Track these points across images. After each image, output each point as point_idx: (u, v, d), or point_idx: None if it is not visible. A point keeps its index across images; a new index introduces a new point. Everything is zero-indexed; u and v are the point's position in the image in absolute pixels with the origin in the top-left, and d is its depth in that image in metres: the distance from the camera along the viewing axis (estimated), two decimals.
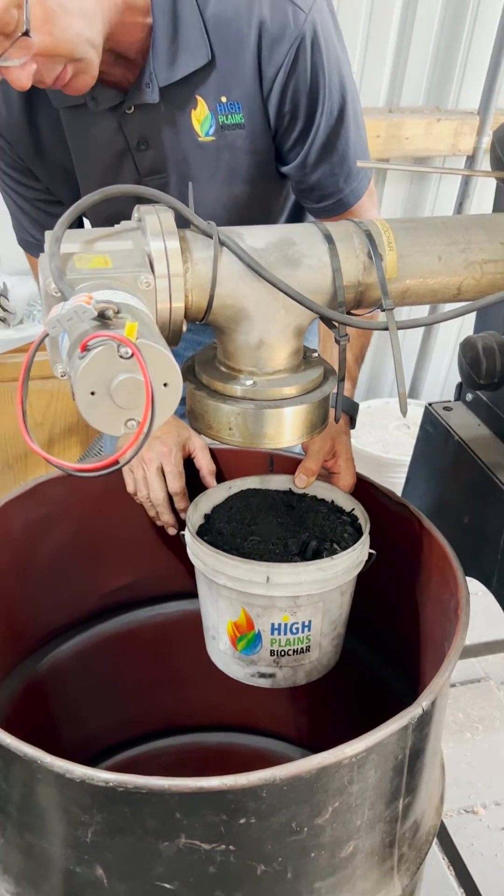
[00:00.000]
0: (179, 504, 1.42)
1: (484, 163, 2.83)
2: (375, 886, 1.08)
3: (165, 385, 0.76)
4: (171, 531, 1.45)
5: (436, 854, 2.00)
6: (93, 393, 0.73)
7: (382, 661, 1.38)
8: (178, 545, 1.46)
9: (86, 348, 0.71)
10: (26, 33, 1.06)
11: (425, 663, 1.25)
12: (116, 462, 0.76)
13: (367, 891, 1.07)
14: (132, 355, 0.72)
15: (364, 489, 1.34)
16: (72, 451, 2.74)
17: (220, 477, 1.44)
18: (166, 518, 1.43)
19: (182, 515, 1.43)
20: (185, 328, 0.94)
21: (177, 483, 1.41)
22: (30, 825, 0.99)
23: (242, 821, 0.90)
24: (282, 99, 1.28)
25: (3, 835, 1.04)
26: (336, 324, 0.98)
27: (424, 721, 1.00)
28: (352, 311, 1.01)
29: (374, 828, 1.02)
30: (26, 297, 2.56)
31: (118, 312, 0.74)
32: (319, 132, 1.31)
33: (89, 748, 1.62)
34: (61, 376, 0.80)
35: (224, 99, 1.29)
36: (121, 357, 0.72)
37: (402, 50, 2.68)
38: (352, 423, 1.34)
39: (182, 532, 1.27)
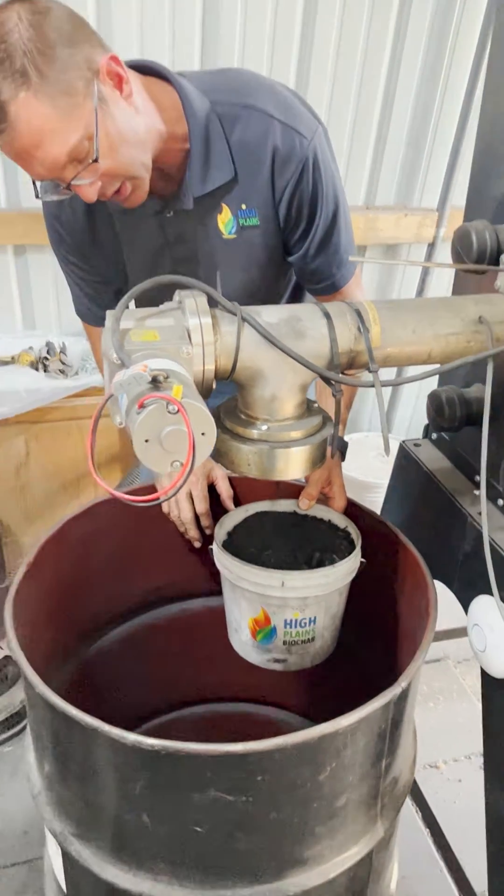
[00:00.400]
0: (204, 522, 1.42)
1: (441, 249, 2.84)
2: (363, 829, 1.08)
3: (203, 434, 0.77)
4: (197, 544, 1.45)
5: (406, 801, 1.98)
6: (147, 440, 0.75)
7: (367, 648, 1.37)
8: (201, 554, 1.47)
9: (142, 406, 0.73)
10: (95, 160, 1.08)
11: (401, 649, 1.25)
12: (165, 495, 0.77)
13: (357, 833, 1.07)
14: (178, 411, 0.73)
15: (353, 510, 1.34)
16: (114, 475, 2.74)
17: (237, 500, 1.44)
18: (193, 534, 1.44)
19: (206, 532, 1.43)
20: (214, 385, 0.95)
21: (202, 506, 1.41)
22: (88, 779, 0.99)
23: (259, 777, 0.90)
24: (289, 206, 1.29)
25: (67, 787, 1.04)
26: (333, 382, 0.98)
27: (402, 698, 1.01)
28: (344, 372, 1.01)
29: (363, 783, 1.02)
30: (80, 353, 2.56)
31: (167, 377, 0.76)
32: (318, 231, 1.32)
33: (129, 715, 1.61)
34: (119, 425, 0.80)
35: (244, 206, 1.29)
36: (169, 413, 0.73)
37: (376, 162, 2.71)
38: (342, 456, 1.35)
39: (210, 546, 1.26)
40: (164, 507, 1.44)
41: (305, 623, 1.19)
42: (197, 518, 1.43)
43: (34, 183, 1.16)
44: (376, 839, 1.09)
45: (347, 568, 1.19)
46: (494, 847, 1.26)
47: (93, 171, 1.10)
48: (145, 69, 1.23)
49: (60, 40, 1.03)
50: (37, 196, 1.19)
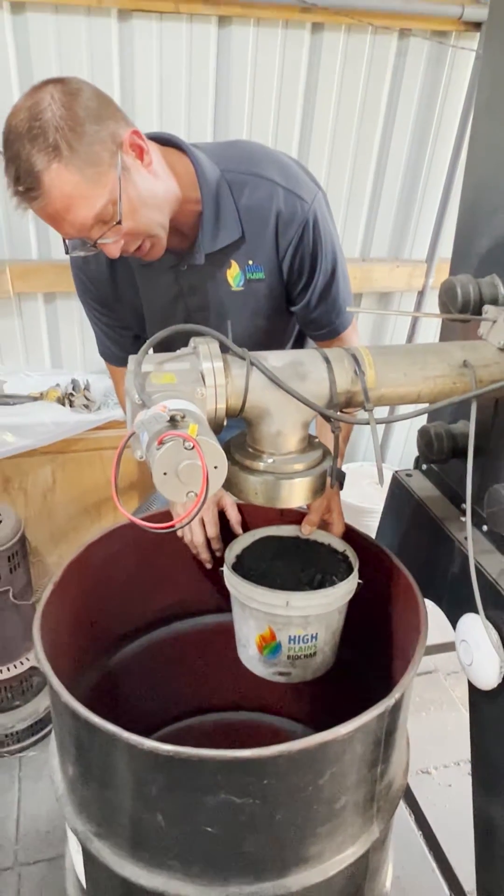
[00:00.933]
0: (215, 545, 1.43)
1: (430, 296, 2.86)
2: (360, 830, 1.07)
3: (215, 467, 0.78)
4: (208, 566, 1.45)
5: (401, 804, 1.96)
6: (165, 473, 0.76)
7: (364, 662, 1.37)
8: (212, 574, 1.47)
9: (161, 442, 0.74)
10: (119, 222, 1.11)
11: (395, 663, 1.24)
12: (181, 522, 0.78)
13: (354, 834, 1.06)
14: (193, 447, 0.74)
15: (350, 535, 1.34)
16: (132, 501, 2.74)
17: (245, 525, 1.44)
18: (205, 556, 1.44)
19: (217, 554, 1.44)
20: (225, 422, 0.96)
21: (213, 530, 1.42)
22: (108, 782, 0.98)
23: (265, 781, 0.90)
24: (291, 262, 1.31)
25: (88, 789, 1.04)
26: (332, 419, 1.00)
27: (396, 708, 1.00)
28: (342, 410, 1.02)
29: (360, 787, 1.02)
30: (103, 390, 2.57)
31: (183, 417, 0.77)
32: (318, 284, 1.34)
33: (145, 723, 1.60)
34: (139, 458, 0.81)
35: (251, 262, 1.32)
36: (185, 448, 0.74)
37: (371, 218, 2.75)
38: (340, 486, 1.35)
39: (221, 568, 1.27)
40: (179, 532, 1.44)
41: (308, 639, 1.19)
42: (208, 541, 1.44)
43: (64, 241, 1.19)
44: (372, 840, 1.08)
45: (346, 589, 1.19)
46: (482, 848, 1.25)
47: (116, 231, 1.13)
48: (164, 141, 1.27)
49: (88, 118, 1.07)
50: (66, 252, 1.22)
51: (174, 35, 2.20)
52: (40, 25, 2.09)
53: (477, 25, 2.38)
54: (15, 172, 1.07)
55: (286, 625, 1.18)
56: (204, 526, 1.42)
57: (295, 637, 1.18)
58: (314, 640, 1.20)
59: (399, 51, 2.42)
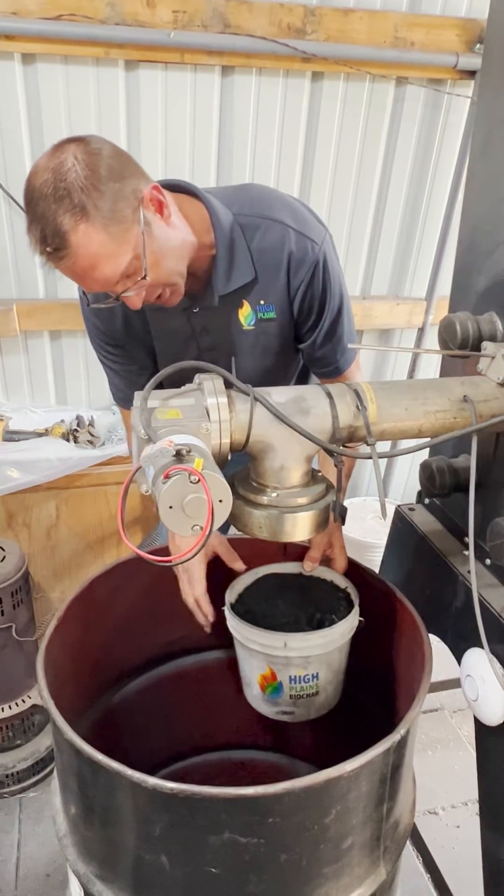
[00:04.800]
0: (204, 606, 1.35)
1: (430, 333, 2.89)
2: (367, 871, 1.05)
3: (220, 501, 0.79)
4: (207, 630, 1.37)
5: (408, 846, 1.91)
6: (171, 507, 0.76)
7: (367, 698, 1.35)
8: (216, 610, 1.46)
9: (167, 476, 0.75)
10: (144, 276, 1.13)
11: (400, 699, 1.23)
12: (186, 556, 0.78)
13: (361, 875, 1.04)
14: (199, 481, 0.75)
15: (354, 571, 1.33)
16: (136, 537, 2.74)
17: (247, 562, 1.40)
18: (201, 618, 1.36)
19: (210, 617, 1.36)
20: (229, 457, 0.97)
21: (199, 588, 1.34)
22: (111, 821, 0.97)
23: (270, 820, 0.89)
24: (302, 302, 1.34)
25: (91, 829, 1.02)
26: (335, 454, 1.00)
27: (402, 744, 0.99)
28: (345, 445, 1.03)
29: (366, 826, 1.00)
30: (107, 425, 2.59)
31: (189, 451, 0.78)
32: (325, 323, 1.37)
33: (148, 761, 1.57)
34: (145, 493, 0.82)
35: (262, 302, 1.34)
36: (191, 482, 0.75)
37: (371, 257, 2.79)
38: (342, 520, 1.35)
39: (223, 607, 1.26)
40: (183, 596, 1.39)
41: (309, 679, 1.18)
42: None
43: (84, 293, 1.21)
44: (379, 881, 1.05)
45: (345, 628, 1.19)
46: (492, 891, 1.22)
47: (141, 284, 1.15)
48: (177, 187, 1.30)
49: (111, 177, 1.08)
50: (88, 304, 1.24)
51: (179, 84, 2.27)
52: (50, 75, 2.16)
53: (471, 73, 2.46)
54: (41, 233, 1.08)
55: (286, 665, 1.17)
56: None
57: (295, 677, 1.18)
58: (315, 679, 1.19)
59: (396, 97, 2.49)
